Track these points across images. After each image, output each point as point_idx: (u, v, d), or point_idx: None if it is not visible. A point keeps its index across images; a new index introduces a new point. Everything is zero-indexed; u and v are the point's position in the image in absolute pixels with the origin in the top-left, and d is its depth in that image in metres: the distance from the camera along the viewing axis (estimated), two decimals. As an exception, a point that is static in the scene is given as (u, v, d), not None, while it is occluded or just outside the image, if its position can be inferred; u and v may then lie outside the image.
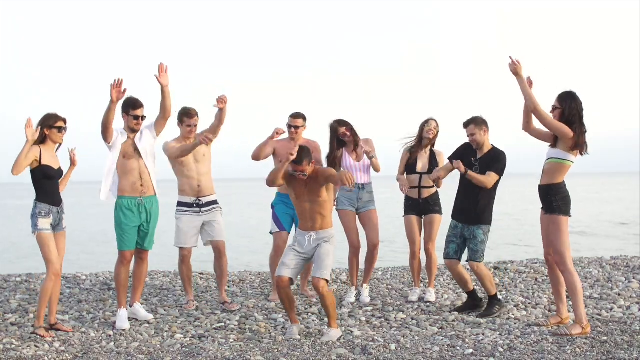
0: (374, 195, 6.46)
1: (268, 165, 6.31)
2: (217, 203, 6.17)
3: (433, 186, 6.26)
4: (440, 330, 5.27)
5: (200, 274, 7.97)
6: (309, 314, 5.80)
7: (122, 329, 5.36)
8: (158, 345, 4.90)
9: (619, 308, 5.90)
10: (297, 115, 6.32)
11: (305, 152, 5.08)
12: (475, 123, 5.65)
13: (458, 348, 4.74)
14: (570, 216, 5.11)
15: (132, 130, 5.55)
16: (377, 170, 6.39)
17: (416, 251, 6.38)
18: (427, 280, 6.61)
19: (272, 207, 6.43)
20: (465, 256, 5.82)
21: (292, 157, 5.03)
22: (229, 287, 7.21)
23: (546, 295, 6.46)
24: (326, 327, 5.18)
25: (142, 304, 5.96)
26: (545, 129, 5.10)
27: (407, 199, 6.36)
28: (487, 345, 4.79)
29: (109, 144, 5.48)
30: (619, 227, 22.00)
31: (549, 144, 5.14)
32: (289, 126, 6.30)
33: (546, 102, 5.11)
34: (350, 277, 6.47)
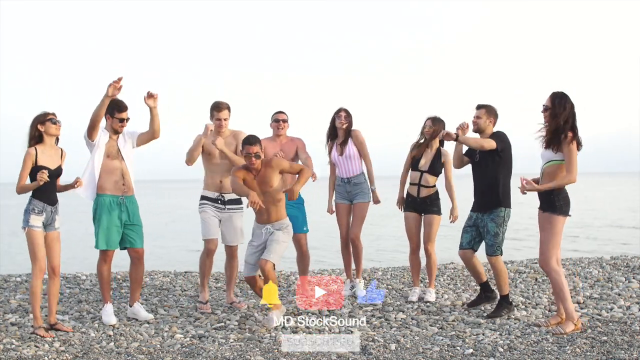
0: (368, 187, 6.53)
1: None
2: (240, 203, 6.13)
3: (433, 186, 6.26)
4: (440, 330, 5.27)
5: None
6: (309, 314, 5.80)
7: (110, 324, 5.42)
8: (158, 345, 4.90)
9: (619, 308, 5.89)
10: (281, 111, 6.44)
11: (255, 136, 5.43)
12: (487, 109, 5.68)
13: (458, 348, 4.75)
14: (570, 216, 5.13)
15: (115, 132, 5.57)
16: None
17: (414, 248, 6.40)
18: (427, 280, 6.61)
19: None
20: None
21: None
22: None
23: (546, 295, 6.46)
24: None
25: (142, 304, 5.96)
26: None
27: (408, 196, 6.38)
28: (487, 345, 4.79)
29: (92, 141, 5.47)
30: (618, 226, 21.98)
31: (543, 146, 5.15)
32: (276, 120, 6.38)
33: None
34: (345, 270, 6.71)
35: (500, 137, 5.57)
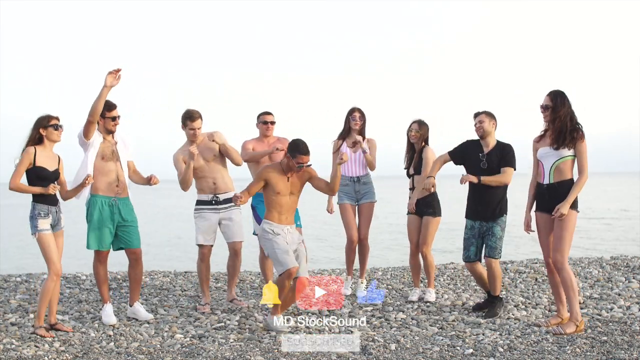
0: (373, 187, 6.54)
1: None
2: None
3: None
4: (440, 330, 5.27)
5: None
6: (309, 314, 5.79)
7: (110, 324, 5.43)
8: (158, 345, 4.90)
9: (619, 308, 5.89)
10: (270, 112, 6.43)
11: (307, 145, 5.23)
12: (487, 113, 5.72)
13: (458, 348, 4.75)
14: (579, 212, 5.16)
15: (109, 132, 5.57)
16: (371, 167, 6.55)
17: (414, 250, 6.39)
18: (427, 281, 6.60)
19: (253, 207, 6.42)
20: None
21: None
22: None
23: (546, 295, 6.46)
24: (271, 315, 5.30)
25: (142, 304, 5.95)
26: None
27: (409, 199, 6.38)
28: (487, 345, 4.79)
29: (87, 140, 5.45)
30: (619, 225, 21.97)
31: (549, 147, 5.15)
32: (264, 122, 6.37)
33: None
34: (347, 268, 6.72)
35: (512, 156, 5.64)
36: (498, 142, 5.70)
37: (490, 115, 5.70)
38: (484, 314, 5.70)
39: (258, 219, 6.31)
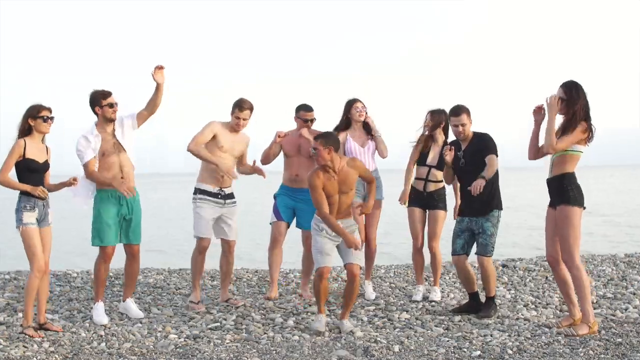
0: (381, 182, 6.24)
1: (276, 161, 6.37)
2: (234, 197, 6.04)
3: (441, 181, 6.06)
4: (446, 331, 5.11)
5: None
6: (308, 313, 5.64)
7: (101, 324, 5.30)
8: (151, 346, 4.77)
9: (634, 308, 5.72)
10: (310, 109, 6.22)
11: (330, 135, 5.21)
12: (467, 111, 5.54)
13: (465, 350, 4.59)
14: (585, 208, 4.94)
15: (110, 120, 5.39)
16: (383, 154, 6.27)
17: (419, 245, 6.18)
18: (432, 279, 6.41)
19: (275, 197, 6.29)
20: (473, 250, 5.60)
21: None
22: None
23: (557, 294, 6.28)
24: (340, 320, 5.19)
25: (134, 302, 5.78)
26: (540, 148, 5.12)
27: (412, 190, 6.15)
28: (496, 347, 4.63)
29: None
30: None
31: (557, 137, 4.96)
32: (304, 120, 6.16)
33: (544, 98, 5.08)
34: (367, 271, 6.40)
35: (493, 145, 5.49)
36: (475, 134, 5.55)
37: (468, 113, 5.55)
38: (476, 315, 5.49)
39: (276, 210, 6.19)
